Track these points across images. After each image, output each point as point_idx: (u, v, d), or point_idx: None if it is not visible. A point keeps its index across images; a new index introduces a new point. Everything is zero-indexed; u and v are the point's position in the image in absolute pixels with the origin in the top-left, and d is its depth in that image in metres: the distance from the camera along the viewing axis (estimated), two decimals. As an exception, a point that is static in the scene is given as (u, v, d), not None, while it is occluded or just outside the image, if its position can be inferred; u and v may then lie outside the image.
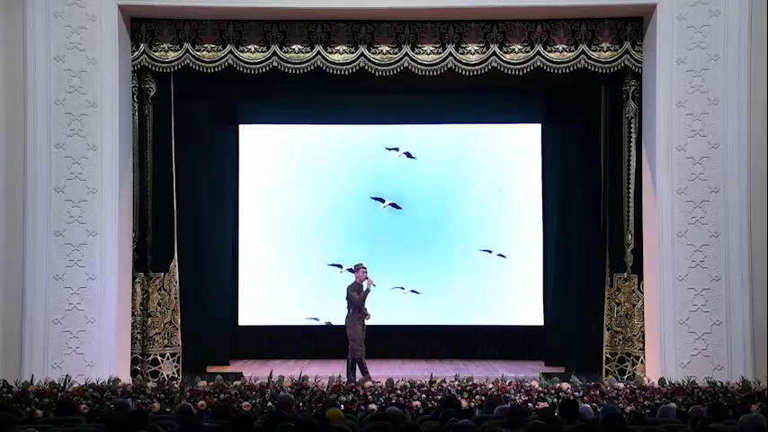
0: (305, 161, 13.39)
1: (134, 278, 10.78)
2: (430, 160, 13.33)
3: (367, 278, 10.92)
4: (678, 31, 10.09)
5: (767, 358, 9.76)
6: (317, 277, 13.29)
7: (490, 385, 9.33)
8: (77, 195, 10.07)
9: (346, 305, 10.99)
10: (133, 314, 10.72)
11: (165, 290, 10.93)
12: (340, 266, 13.09)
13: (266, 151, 13.42)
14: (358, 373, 10.70)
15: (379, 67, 10.67)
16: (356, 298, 10.88)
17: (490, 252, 13.20)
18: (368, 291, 10.91)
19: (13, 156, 10.02)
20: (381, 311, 12.49)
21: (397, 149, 13.25)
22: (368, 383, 9.39)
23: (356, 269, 11.07)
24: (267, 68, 10.64)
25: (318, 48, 10.61)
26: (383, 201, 13.17)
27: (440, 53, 10.63)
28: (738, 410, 8.48)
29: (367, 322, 10.96)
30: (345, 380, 9.76)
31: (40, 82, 9.99)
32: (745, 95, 9.98)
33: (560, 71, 10.63)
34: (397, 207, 13.25)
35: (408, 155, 13.23)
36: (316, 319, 13.24)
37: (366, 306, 10.94)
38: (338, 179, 13.38)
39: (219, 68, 10.64)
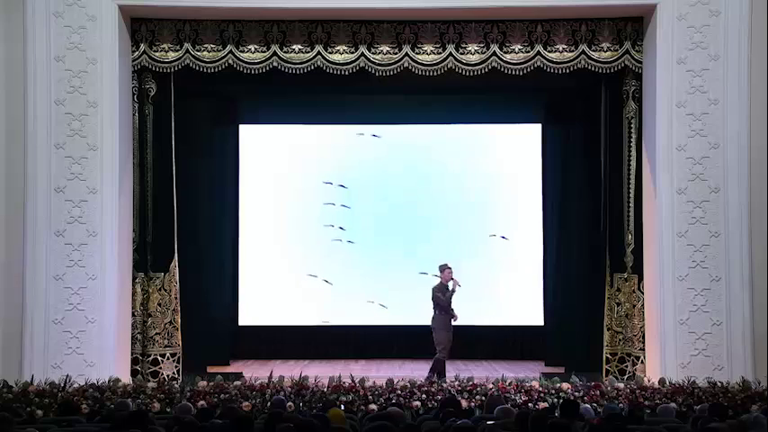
0: (305, 161, 13.39)
1: (134, 278, 10.78)
2: (430, 160, 13.31)
3: (453, 279, 10.89)
4: (678, 31, 10.08)
5: (767, 358, 9.77)
6: (317, 276, 13.28)
7: (490, 385, 9.33)
8: (77, 195, 10.06)
9: (432, 306, 10.95)
10: (133, 314, 10.72)
11: (166, 290, 10.93)
12: (315, 276, 13.16)
13: (266, 151, 13.41)
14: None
15: (379, 68, 10.66)
16: (441, 299, 10.81)
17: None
18: (453, 291, 10.86)
19: (14, 156, 10.02)
20: (382, 311, 12.54)
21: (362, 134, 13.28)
22: (368, 383, 9.37)
23: (442, 270, 10.96)
24: (267, 68, 10.64)
25: (318, 48, 10.61)
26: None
27: (440, 53, 10.62)
28: (739, 411, 8.47)
29: (455, 323, 10.91)
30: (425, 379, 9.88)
31: (41, 82, 9.98)
32: (745, 95, 9.98)
33: (560, 71, 10.62)
34: (347, 207, 13.27)
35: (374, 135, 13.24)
36: (314, 276, 13.23)
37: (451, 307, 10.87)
38: (337, 178, 13.36)
39: (219, 68, 10.64)
